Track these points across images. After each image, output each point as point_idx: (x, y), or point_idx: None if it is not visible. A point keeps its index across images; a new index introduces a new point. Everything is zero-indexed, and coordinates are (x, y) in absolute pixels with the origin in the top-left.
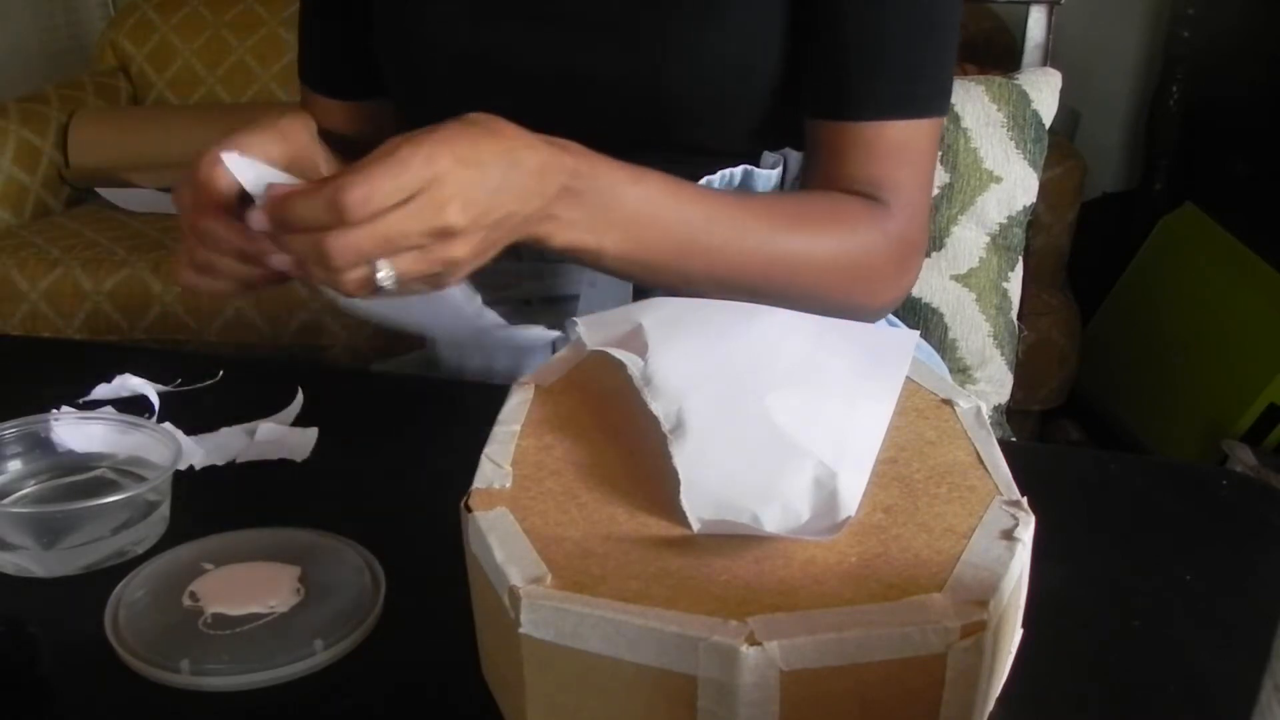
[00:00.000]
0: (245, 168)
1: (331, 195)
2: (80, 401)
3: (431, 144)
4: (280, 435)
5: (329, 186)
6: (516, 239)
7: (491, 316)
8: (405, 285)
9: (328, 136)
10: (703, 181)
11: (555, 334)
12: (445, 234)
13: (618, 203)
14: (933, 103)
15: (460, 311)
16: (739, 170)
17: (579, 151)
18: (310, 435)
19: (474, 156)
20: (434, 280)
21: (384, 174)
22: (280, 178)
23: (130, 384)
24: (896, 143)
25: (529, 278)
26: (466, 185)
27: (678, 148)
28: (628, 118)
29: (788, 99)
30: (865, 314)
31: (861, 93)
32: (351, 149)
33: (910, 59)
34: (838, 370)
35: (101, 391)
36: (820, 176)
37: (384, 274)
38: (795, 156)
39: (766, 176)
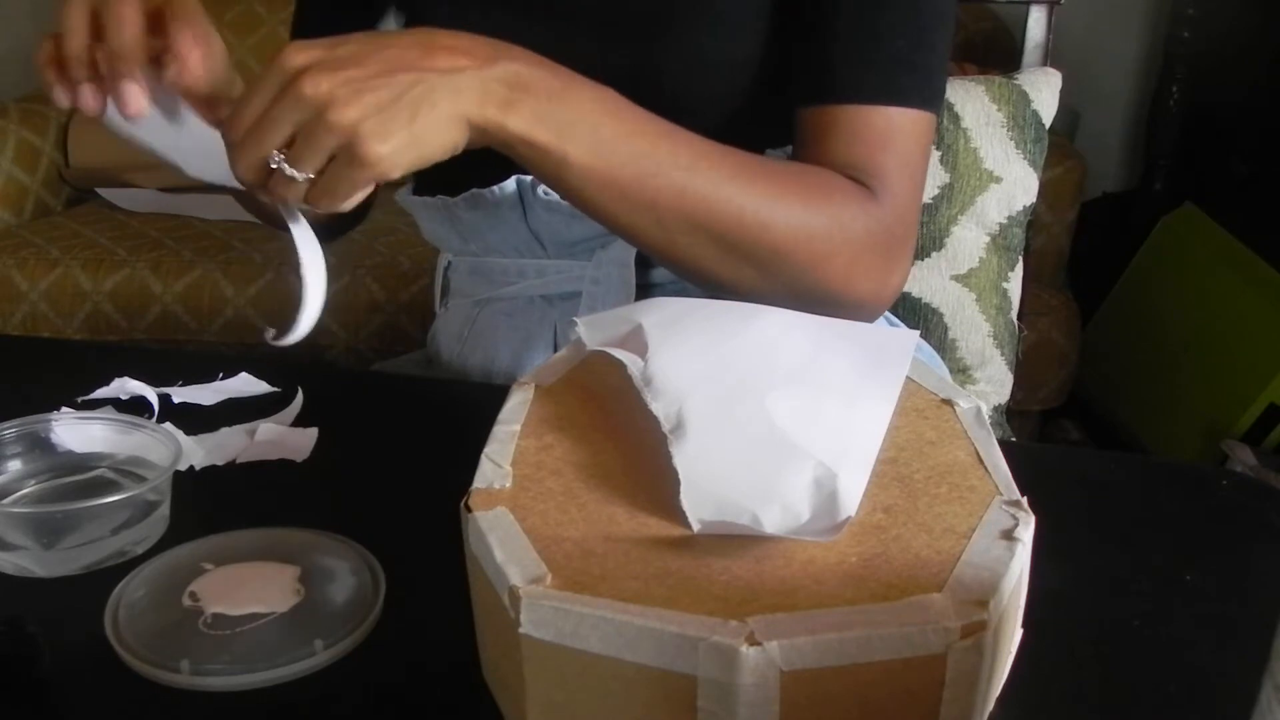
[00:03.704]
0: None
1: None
2: (80, 401)
3: (285, 47)
4: (280, 435)
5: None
6: (457, 117)
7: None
8: (327, 173)
9: None
10: None
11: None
12: (307, 101)
13: (578, 104)
14: (920, 94)
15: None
16: None
17: (536, 55)
18: (310, 435)
19: (332, 41)
20: (351, 157)
21: (244, 93)
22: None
23: (129, 387)
24: (881, 130)
25: (531, 276)
26: (321, 57)
27: None
28: None
29: (784, 94)
30: (841, 301)
31: (846, 78)
32: None
33: (898, 48)
34: (838, 370)
35: (102, 392)
36: (804, 161)
37: (287, 169)
38: None
39: None
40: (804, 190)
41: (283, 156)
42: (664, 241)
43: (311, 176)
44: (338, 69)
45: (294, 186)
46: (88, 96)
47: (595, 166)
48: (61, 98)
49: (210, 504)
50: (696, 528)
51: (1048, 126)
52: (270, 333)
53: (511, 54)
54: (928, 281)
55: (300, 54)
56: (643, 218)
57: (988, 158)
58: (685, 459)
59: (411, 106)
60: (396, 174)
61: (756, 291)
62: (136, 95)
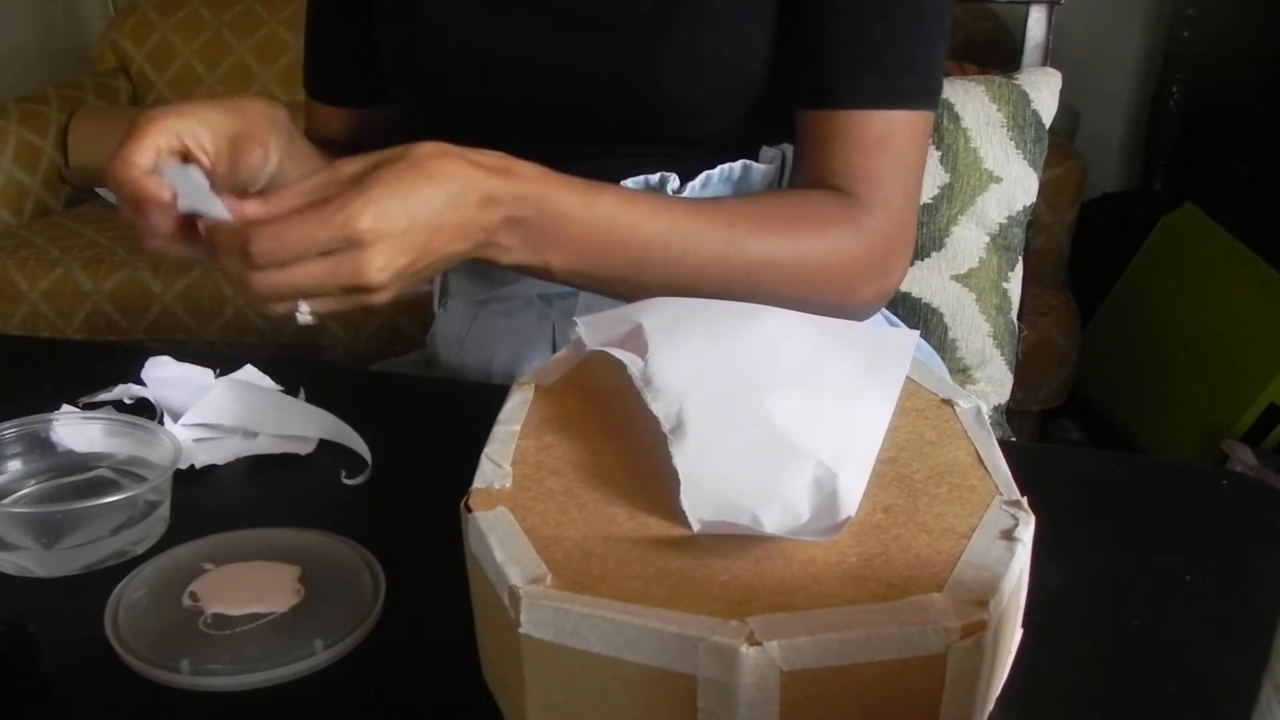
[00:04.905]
0: (178, 177)
1: (242, 242)
2: (81, 402)
3: (359, 203)
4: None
5: (242, 230)
6: (455, 263)
7: None
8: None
9: (329, 146)
10: (701, 177)
11: None
12: (361, 279)
13: (565, 225)
14: (918, 96)
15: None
16: (737, 165)
17: (531, 176)
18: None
19: (401, 213)
20: (355, 301)
21: (297, 229)
22: (204, 193)
23: (132, 391)
24: (880, 134)
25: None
26: (388, 249)
27: (674, 142)
28: (626, 113)
29: (781, 95)
30: (843, 311)
31: (845, 82)
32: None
33: (896, 51)
34: (838, 371)
35: (102, 394)
36: (804, 168)
37: (303, 313)
38: (793, 152)
39: (764, 171)
40: (797, 226)
41: (309, 310)
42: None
43: (311, 321)
44: (400, 255)
45: (286, 306)
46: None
47: (578, 269)
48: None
49: (210, 504)
50: (696, 528)
51: (1048, 126)
52: None
53: (506, 196)
54: (928, 281)
55: (380, 274)
56: (630, 291)
57: (988, 158)
58: (685, 459)
59: (423, 271)
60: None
61: None
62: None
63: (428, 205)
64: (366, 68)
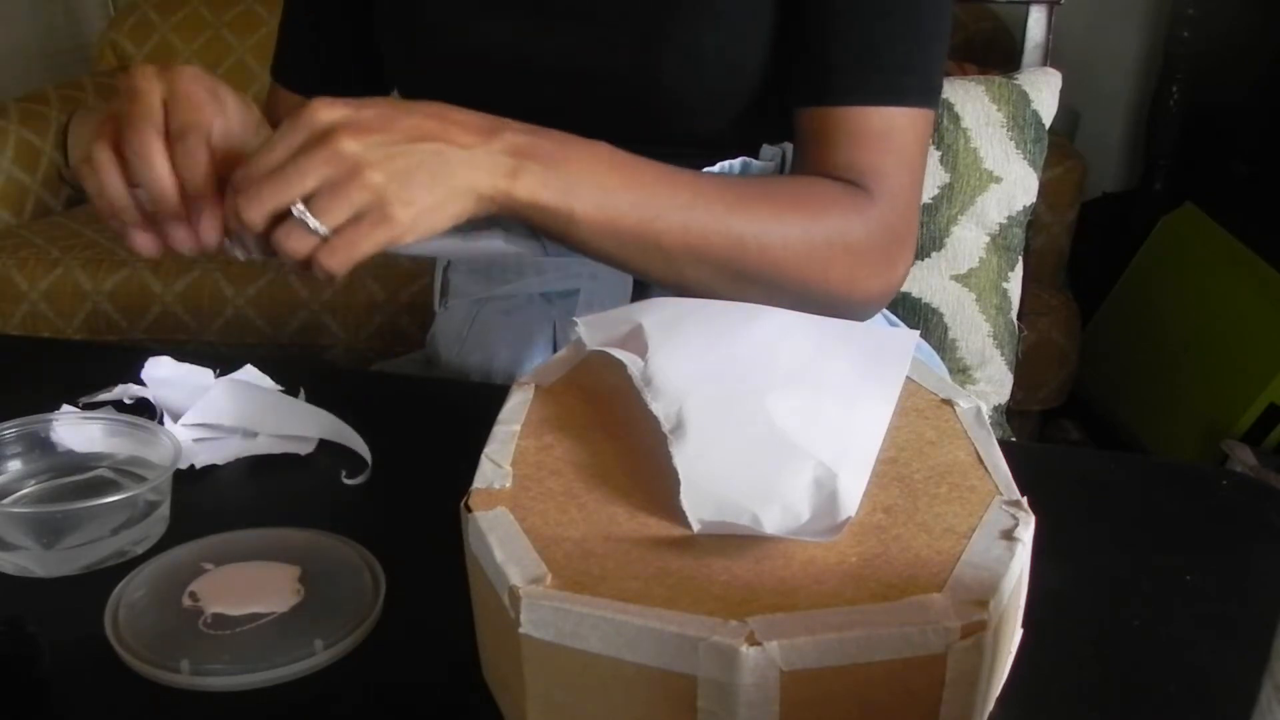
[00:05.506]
0: None
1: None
2: (81, 402)
3: (314, 102)
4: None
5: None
6: (468, 189)
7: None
8: (346, 231)
9: None
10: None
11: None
12: (340, 157)
13: (577, 163)
14: (919, 94)
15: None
16: (737, 163)
17: (527, 124)
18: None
19: (359, 102)
20: (376, 218)
21: (266, 145)
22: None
23: (132, 391)
24: (881, 130)
25: (529, 274)
26: (353, 116)
27: (675, 140)
28: (626, 111)
29: (781, 93)
30: (848, 303)
31: (846, 79)
32: None
33: (896, 48)
34: (838, 371)
35: (102, 394)
36: (806, 165)
37: (310, 221)
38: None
39: (763, 169)
40: (801, 207)
41: (304, 208)
42: (671, 275)
43: (327, 232)
44: (368, 131)
45: (305, 239)
46: (181, 237)
47: (600, 219)
48: (149, 246)
49: (210, 504)
50: (696, 528)
51: (1048, 126)
52: None
53: (510, 126)
54: (928, 281)
55: (328, 111)
56: (649, 257)
57: (988, 158)
58: (685, 459)
59: (431, 175)
60: (410, 239)
61: (765, 303)
62: (210, 230)
63: (393, 99)
64: (340, 61)
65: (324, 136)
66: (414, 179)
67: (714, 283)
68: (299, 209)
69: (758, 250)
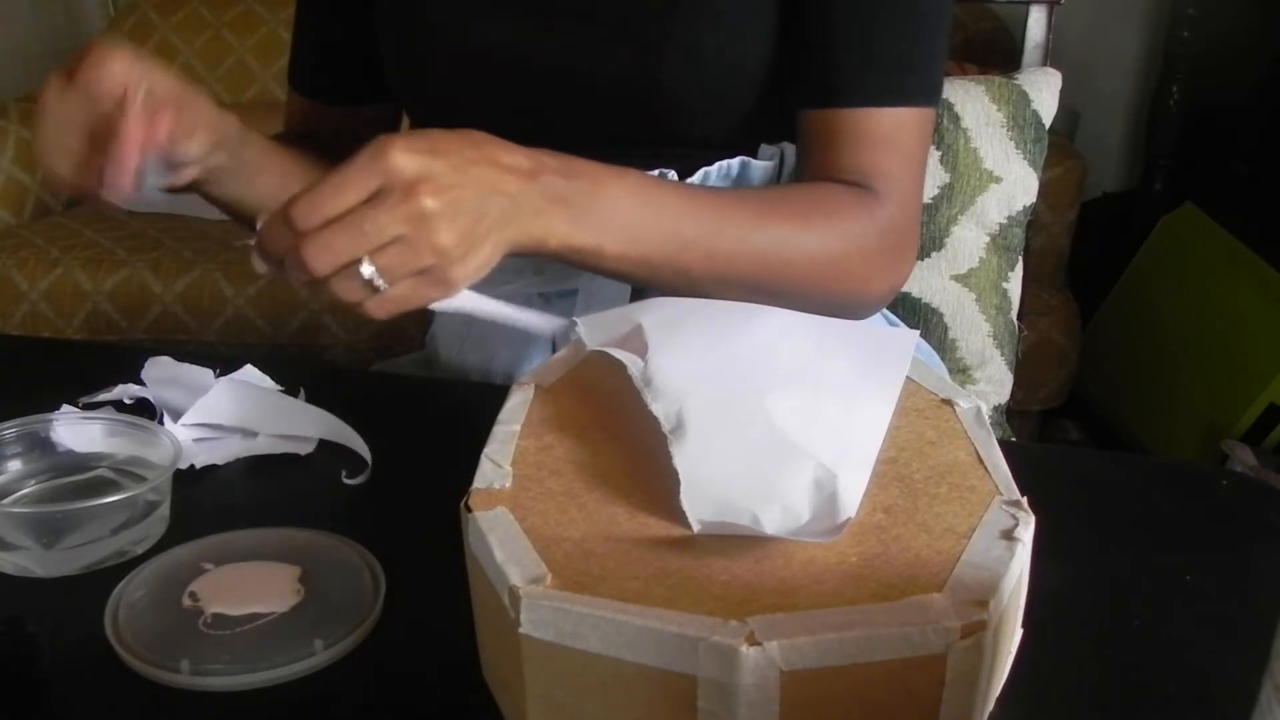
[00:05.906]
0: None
1: (283, 210)
2: (81, 402)
3: (381, 141)
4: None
5: (283, 204)
6: (512, 241)
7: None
8: (402, 286)
9: (308, 140)
10: (699, 173)
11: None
12: (420, 218)
13: (608, 202)
14: (921, 94)
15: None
16: (735, 162)
17: (560, 155)
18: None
19: (431, 146)
20: (434, 278)
21: (329, 178)
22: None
23: (132, 391)
24: (885, 131)
25: (528, 274)
26: (431, 168)
27: (674, 141)
28: (626, 111)
29: (781, 94)
30: (859, 305)
31: (850, 82)
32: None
33: (898, 48)
34: (838, 371)
35: (102, 394)
36: (811, 167)
37: (367, 270)
38: (792, 150)
39: (762, 168)
40: (816, 215)
41: (374, 269)
42: (694, 293)
43: (387, 288)
44: (447, 189)
45: (360, 289)
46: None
47: (629, 255)
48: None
49: (210, 504)
50: (696, 528)
51: (1048, 126)
52: None
53: (548, 166)
54: (928, 281)
55: (406, 159)
56: (675, 281)
57: (988, 158)
58: (685, 459)
59: (486, 232)
60: (453, 293)
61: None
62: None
63: (455, 141)
64: (352, 66)
65: (405, 191)
66: (476, 238)
67: (734, 296)
68: (369, 270)
69: (780, 265)
